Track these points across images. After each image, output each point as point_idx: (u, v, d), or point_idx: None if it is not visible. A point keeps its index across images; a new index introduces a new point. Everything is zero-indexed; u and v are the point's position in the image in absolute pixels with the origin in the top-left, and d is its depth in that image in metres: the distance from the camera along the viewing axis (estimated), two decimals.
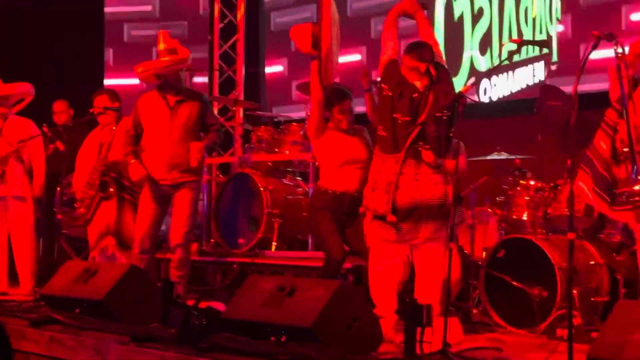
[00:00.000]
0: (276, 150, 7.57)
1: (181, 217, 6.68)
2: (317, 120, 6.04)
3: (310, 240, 7.20)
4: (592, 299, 5.99)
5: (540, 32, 8.50)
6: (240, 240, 7.37)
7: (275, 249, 7.23)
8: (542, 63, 8.42)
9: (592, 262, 6.10)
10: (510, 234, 6.39)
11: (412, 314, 4.17)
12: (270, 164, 7.69)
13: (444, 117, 5.39)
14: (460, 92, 4.82)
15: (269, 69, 10.59)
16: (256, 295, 4.98)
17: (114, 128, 7.16)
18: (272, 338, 4.73)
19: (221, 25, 10.22)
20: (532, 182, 6.36)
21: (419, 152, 5.38)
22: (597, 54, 4.57)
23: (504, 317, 6.11)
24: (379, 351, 4.75)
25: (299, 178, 7.96)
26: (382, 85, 5.50)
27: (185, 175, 6.70)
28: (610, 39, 5.01)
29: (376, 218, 5.51)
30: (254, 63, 10.50)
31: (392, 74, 5.51)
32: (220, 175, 8.84)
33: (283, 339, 4.68)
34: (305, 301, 4.72)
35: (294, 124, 7.58)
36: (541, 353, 5.16)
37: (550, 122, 7.49)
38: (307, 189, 7.64)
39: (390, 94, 5.44)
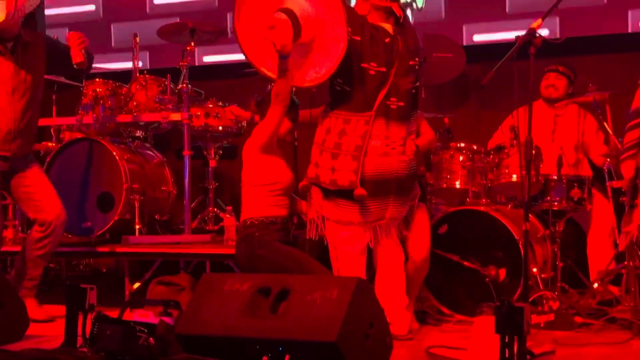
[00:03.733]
0: (124, 109, 6.04)
1: None
2: (274, 132, 4.62)
3: (187, 223, 5.81)
4: (543, 275, 5.26)
5: None
6: (86, 224, 5.79)
7: (139, 233, 5.76)
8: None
9: (539, 235, 5.36)
10: (443, 205, 5.48)
11: (508, 318, 3.10)
12: (112, 126, 6.14)
13: (417, 67, 4.48)
14: (531, 29, 3.78)
15: None
16: (228, 301, 3.64)
17: None
18: (265, 358, 3.46)
19: None
20: (462, 145, 5.47)
21: (391, 110, 4.38)
22: None
23: (449, 303, 5.20)
24: None
25: (147, 144, 6.47)
26: None
27: (30, 145, 5.24)
28: None
29: (333, 194, 4.37)
30: None
31: (350, 13, 4.37)
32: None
33: (287, 358, 3.43)
34: (314, 306, 3.48)
35: (148, 75, 6.08)
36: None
37: (438, 76, 6.67)
38: (163, 158, 6.21)
39: (358, 38, 4.31)
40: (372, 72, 4.32)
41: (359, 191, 4.28)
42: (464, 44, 6.88)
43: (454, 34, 6.93)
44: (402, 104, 4.39)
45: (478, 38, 6.97)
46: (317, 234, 4.50)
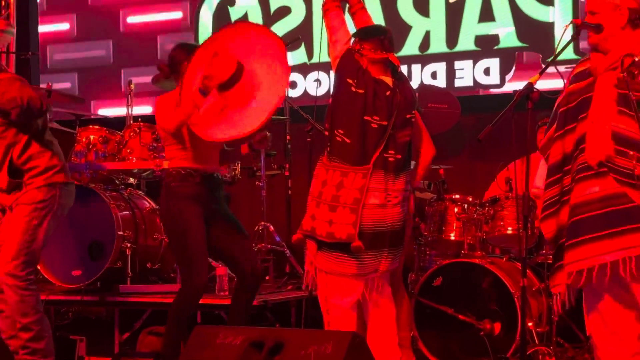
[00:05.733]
0: (118, 156, 6.00)
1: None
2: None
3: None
4: (538, 329, 5.20)
5: None
6: (76, 273, 5.72)
7: (130, 282, 5.70)
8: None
9: (534, 289, 5.31)
10: (439, 257, 5.44)
11: None
12: (105, 173, 6.09)
13: (413, 120, 4.51)
14: (529, 84, 3.75)
15: None
16: (220, 354, 3.58)
17: None
18: None
19: None
20: (457, 196, 5.44)
21: (389, 162, 4.37)
22: None
23: (443, 357, 5.14)
24: None
25: (140, 191, 6.42)
26: (348, 80, 4.36)
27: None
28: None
29: (327, 246, 4.33)
30: (24, 46, 8.45)
31: (354, 66, 4.40)
32: None
33: None
34: None
35: (142, 122, 6.05)
36: None
37: (432, 127, 6.65)
38: (155, 206, 6.14)
39: (361, 91, 4.32)
40: (374, 126, 4.31)
41: (357, 244, 4.24)
42: None
43: None
44: (399, 156, 4.38)
45: None
46: (314, 285, 4.46)
